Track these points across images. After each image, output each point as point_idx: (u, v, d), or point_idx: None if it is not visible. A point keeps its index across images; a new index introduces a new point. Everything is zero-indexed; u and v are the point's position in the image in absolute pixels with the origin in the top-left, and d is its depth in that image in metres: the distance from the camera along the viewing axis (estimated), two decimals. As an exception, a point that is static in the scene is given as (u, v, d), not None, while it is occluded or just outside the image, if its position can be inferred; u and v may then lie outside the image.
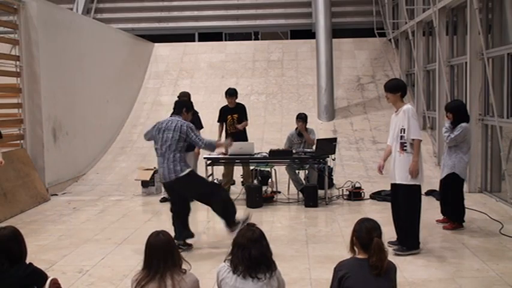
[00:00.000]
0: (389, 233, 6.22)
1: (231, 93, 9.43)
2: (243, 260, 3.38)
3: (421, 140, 5.87)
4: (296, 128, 9.40)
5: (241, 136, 9.27)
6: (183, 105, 6.53)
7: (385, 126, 12.96)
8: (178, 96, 9.25)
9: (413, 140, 5.83)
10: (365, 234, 3.44)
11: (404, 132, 5.88)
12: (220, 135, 9.45)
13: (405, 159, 5.88)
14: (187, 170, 6.19)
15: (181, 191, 6.36)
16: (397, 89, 5.99)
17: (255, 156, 8.80)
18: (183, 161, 6.21)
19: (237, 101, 9.51)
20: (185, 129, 6.18)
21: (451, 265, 5.61)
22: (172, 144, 6.15)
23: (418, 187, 5.99)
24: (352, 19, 17.11)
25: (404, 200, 5.98)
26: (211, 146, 6.38)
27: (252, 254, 3.36)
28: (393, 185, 6.08)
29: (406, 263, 5.65)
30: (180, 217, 6.50)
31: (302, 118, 9.28)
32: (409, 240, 5.97)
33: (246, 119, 9.53)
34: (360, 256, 3.47)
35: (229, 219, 6.23)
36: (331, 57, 13.88)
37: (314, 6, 15.34)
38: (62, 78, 10.30)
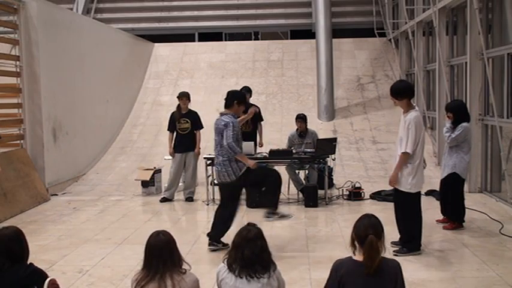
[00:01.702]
0: (390, 232, 6.21)
1: (247, 90, 9.25)
2: (235, 259, 3.39)
3: (408, 154, 5.78)
4: (297, 129, 9.40)
5: (251, 136, 9.15)
6: (235, 96, 6.27)
7: (385, 126, 12.99)
8: (177, 97, 9.25)
9: (402, 153, 5.80)
10: (362, 231, 3.40)
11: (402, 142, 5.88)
12: None
13: (404, 166, 5.87)
14: (244, 168, 6.12)
15: (247, 181, 6.25)
16: (401, 95, 5.88)
17: (255, 156, 8.79)
18: (238, 161, 6.10)
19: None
20: (221, 128, 6.07)
21: (451, 265, 5.61)
22: (219, 147, 6.13)
23: (416, 194, 5.98)
24: (352, 19, 17.10)
25: (402, 206, 6.02)
26: (233, 152, 6.06)
27: (244, 253, 3.36)
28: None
29: (406, 263, 5.64)
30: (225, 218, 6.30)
31: (302, 118, 9.28)
32: (411, 243, 5.97)
33: (262, 119, 9.52)
34: (357, 258, 3.42)
35: (275, 203, 6.25)
36: (331, 57, 13.88)
37: (314, 6, 15.33)
38: (62, 78, 10.30)
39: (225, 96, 6.38)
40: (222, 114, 6.28)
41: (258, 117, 9.32)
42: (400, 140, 5.93)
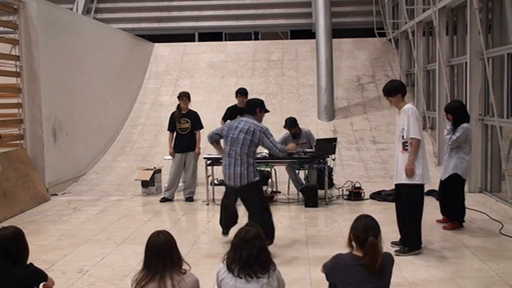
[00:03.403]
0: (390, 233, 6.24)
1: (243, 92, 9.27)
2: (234, 260, 3.39)
3: (419, 140, 5.81)
4: None
5: None
6: (256, 104, 6.29)
7: (385, 126, 12.99)
8: (178, 97, 9.25)
9: (412, 139, 5.81)
10: (361, 233, 3.47)
11: (404, 132, 5.86)
12: None
13: (405, 159, 5.86)
14: (257, 178, 6.08)
15: (245, 198, 6.14)
16: (395, 91, 5.94)
17: (255, 156, 8.77)
18: (254, 167, 6.07)
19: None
20: (258, 135, 5.98)
21: (451, 265, 5.61)
22: (244, 146, 5.97)
23: (421, 187, 5.97)
24: (352, 19, 17.11)
25: (406, 200, 5.96)
26: (284, 152, 6.18)
27: (242, 254, 3.37)
28: (397, 185, 6.07)
29: (406, 263, 5.65)
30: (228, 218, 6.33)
31: (288, 125, 9.20)
32: (411, 241, 5.96)
33: None
34: (356, 253, 3.51)
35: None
36: (331, 57, 13.88)
37: (314, 6, 15.34)
38: (62, 78, 10.30)
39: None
40: (243, 117, 6.23)
41: None
42: (398, 137, 5.95)
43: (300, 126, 9.39)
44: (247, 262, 3.35)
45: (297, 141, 9.26)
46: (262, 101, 6.45)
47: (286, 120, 9.33)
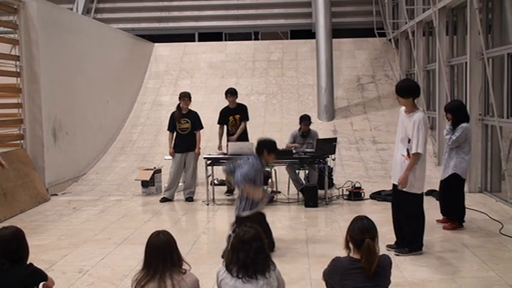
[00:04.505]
0: (390, 233, 6.23)
1: (232, 92, 9.44)
2: (231, 261, 3.39)
3: (421, 155, 5.72)
4: (299, 129, 9.42)
5: (243, 136, 9.34)
6: (264, 145, 5.97)
7: (385, 126, 12.99)
8: (179, 97, 9.25)
9: (414, 153, 5.72)
10: (357, 235, 3.48)
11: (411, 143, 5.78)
12: (221, 137, 9.47)
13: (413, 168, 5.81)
14: (245, 214, 5.84)
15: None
16: (407, 93, 5.79)
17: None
18: (247, 202, 5.87)
19: (237, 101, 9.53)
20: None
21: (451, 265, 5.61)
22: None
23: (420, 195, 5.96)
24: (352, 19, 17.10)
25: (406, 207, 5.95)
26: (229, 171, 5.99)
27: (239, 256, 3.37)
28: (395, 185, 6.06)
29: (406, 263, 5.65)
30: None
31: (307, 120, 9.29)
32: (413, 244, 5.95)
33: (247, 119, 9.55)
34: (354, 256, 3.51)
35: None
36: (331, 57, 13.88)
37: (314, 6, 15.34)
38: (62, 78, 10.29)
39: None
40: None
41: (244, 118, 9.41)
42: (402, 139, 5.90)
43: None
44: (244, 263, 3.35)
45: (304, 140, 9.31)
46: (270, 142, 6.07)
47: (302, 117, 9.39)
